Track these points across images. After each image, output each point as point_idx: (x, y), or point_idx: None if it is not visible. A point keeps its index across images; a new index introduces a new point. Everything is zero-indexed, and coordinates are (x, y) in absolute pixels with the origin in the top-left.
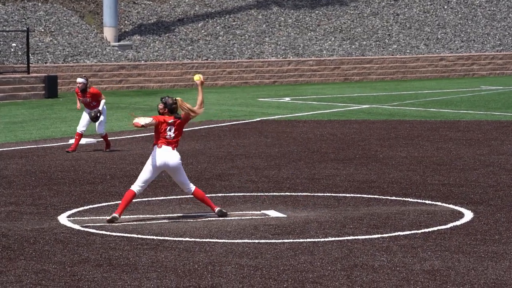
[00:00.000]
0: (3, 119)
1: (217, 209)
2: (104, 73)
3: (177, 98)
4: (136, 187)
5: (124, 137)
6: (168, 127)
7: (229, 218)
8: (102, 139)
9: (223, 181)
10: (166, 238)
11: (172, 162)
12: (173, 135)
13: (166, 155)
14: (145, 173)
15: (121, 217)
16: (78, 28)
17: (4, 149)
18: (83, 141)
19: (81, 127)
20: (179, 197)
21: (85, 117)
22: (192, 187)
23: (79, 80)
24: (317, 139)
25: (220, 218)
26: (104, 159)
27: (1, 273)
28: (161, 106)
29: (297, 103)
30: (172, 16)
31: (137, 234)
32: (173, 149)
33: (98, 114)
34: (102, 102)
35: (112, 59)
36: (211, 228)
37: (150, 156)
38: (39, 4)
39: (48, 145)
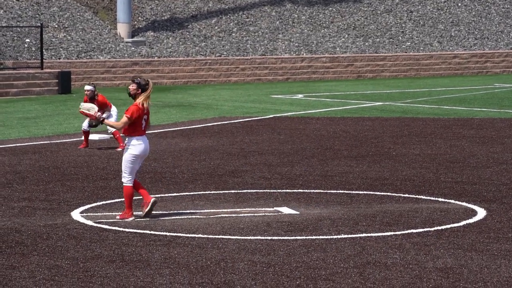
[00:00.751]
0: (16, 114)
1: (152, 199)
2: (117, 69)
3: (149, 80)
4: (130, 181)
5: None
6: (145, 116)
7: (242, 214)
8: (112, 135)
9: (236, 178)
10: (179, 234)
11: (149, 149)
12: (144, 123)
13: (147, 144)
14: (134, 165)
15: (134, 213)
16: (91, 24)
17: (18, 144)
18: (96, 137)
19: (84, 125)
20: (192, 193)
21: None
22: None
23: (87, 87)
24: (330, 136)
25: (233, 215)
26: (116, 155)
27: (14, 268)
28: (134, 86)
29: (310, 100)
30: (186, 12)
31: (150, 231)
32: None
33: (94, 124)
34: (112, 113)
35: (126, 55)
36: (224, 225)
37: (132, 147)
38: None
39: (62, 140)
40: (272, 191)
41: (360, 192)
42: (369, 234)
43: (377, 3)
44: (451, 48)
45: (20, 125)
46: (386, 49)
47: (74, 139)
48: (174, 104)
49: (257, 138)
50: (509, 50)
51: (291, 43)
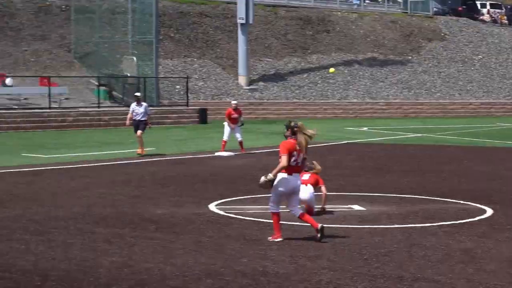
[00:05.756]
0: (171, 137)
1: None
2: (239, 107)
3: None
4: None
5: (253, 152)
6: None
7: (326, 209)
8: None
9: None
10: (284, 222)
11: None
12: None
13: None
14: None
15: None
16: (221, 76)
17: (172, 158)
18: (226, 153)
19: (225, 136)
20: None
21: (227, 130)
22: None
23: (233, 102)
24: (385, 156)
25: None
26: (238, 166)
27: (171, 242)
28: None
29: (372, 131)
30: (285, 69)
31: (263, 219)
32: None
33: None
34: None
35: (245, 98)
36: (314, 217)
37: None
38: (195, 59)
39: (202, 156)
40: (346, 193)
41: (407, 196)
42: (413, 225)
43: (417, 66)
44: (467, 98)
45: (174, 145)
46: (423, 97)
47: (209, 155)
48: (279, 132)
49: (335, 157)
50: (506, 100)
51: (358, 91)
